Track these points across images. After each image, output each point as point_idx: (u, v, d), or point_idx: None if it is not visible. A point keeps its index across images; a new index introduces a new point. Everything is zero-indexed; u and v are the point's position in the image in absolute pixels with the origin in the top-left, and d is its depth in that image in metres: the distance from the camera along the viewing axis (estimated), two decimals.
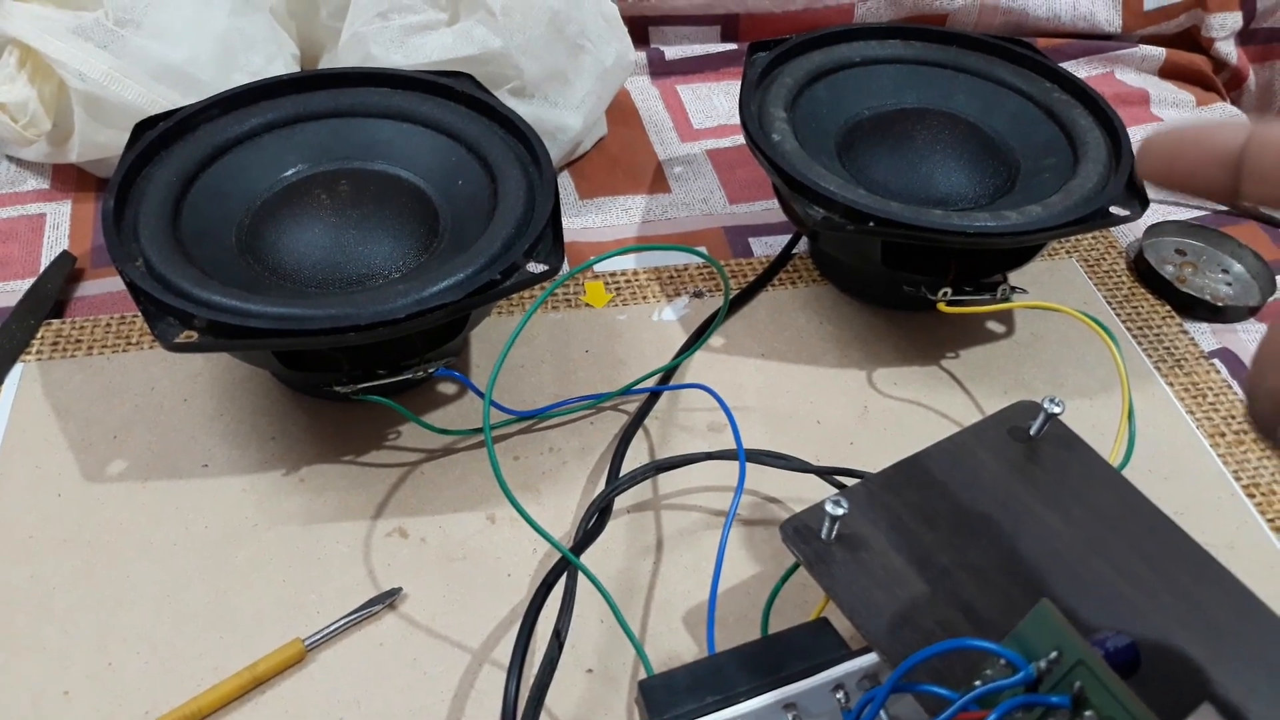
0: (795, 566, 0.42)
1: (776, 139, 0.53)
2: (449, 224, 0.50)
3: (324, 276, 0.48)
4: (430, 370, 0.46)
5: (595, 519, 0.44)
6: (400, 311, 0.42)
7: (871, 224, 0.48)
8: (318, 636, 0.42)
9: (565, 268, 0.56)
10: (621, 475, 0.46)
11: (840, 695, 0.36)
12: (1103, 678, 0.30)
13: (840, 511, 0.38)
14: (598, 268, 0.60)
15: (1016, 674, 0.32)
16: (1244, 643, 0.37)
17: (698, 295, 0.58)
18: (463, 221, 0.50)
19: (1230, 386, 0.55)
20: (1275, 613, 0.39)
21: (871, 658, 0.36)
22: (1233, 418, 0.54)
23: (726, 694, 0.35)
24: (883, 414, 0.53)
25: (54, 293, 0.56)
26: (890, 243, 0.51)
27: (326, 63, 0.66)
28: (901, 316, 0.58)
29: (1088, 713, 0.30)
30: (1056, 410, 0.43)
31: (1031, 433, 0.43)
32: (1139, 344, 0.58)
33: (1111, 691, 0.30)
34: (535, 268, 0.45)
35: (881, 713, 0.34)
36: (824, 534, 0.39)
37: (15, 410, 0.50)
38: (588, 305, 0.57)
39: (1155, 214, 0.66)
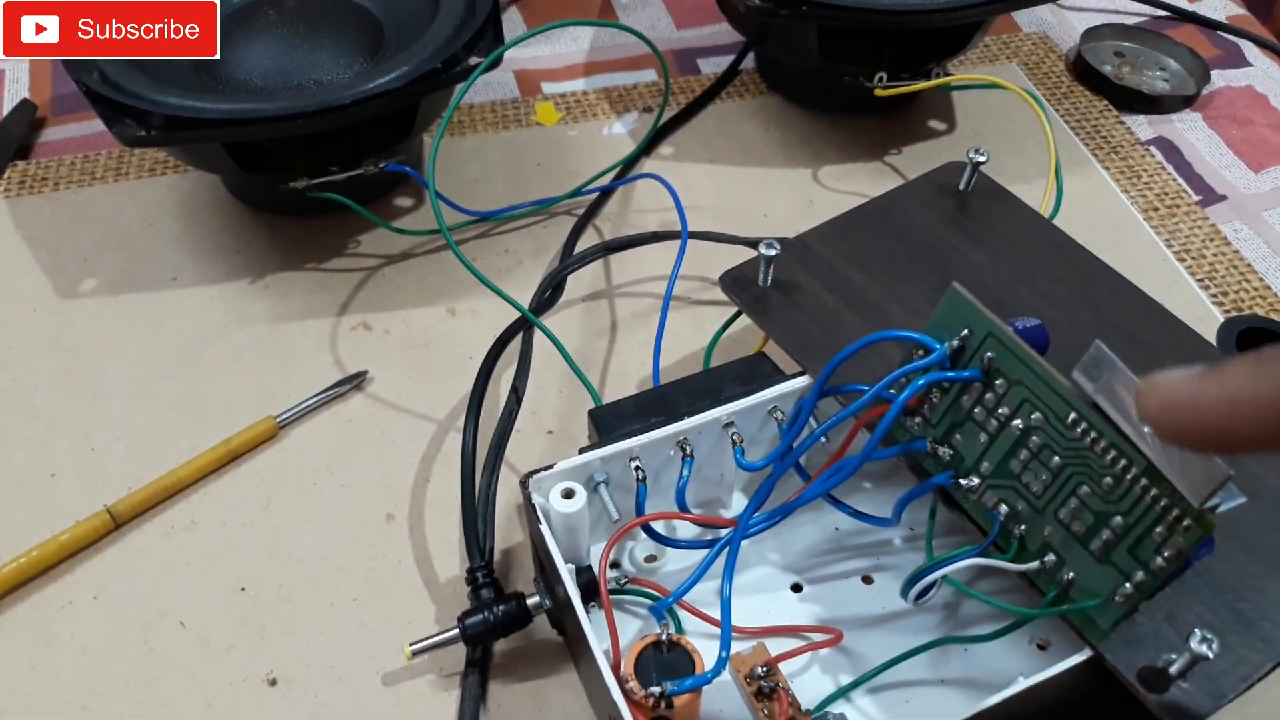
0: (735, 315, 0.44)
1: None
2: (393, 34, 0.51)
3: (274, 86, 0.49)
4: (381, 164, 0.47)
5: (550, 292, 0.46)
6: (346, 98, 0.43)
7: (804, 8, 0.49)
8: (289, 414, 0.44)
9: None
10: (574, 254, 0.48)
11: (777, 414, 0.38)
12: (1010, 346, 0.32)
13: (773, 253, 0.40)
14: (547, 89, 0.61)
15: (931, 356, 0.33)
16: (1161, 352, 0.39)
17: (647, 110, 0.60)
18: (406, 32, 0.51)
19: (1165, 169, 0.57)
20: (1190, 326, 0.41)
21: (804, 380, 0.38)
22: (1166, 195, 0.56)
23: (670, 415, 0.37)
24: (828, 206, 0.54)
25: (18, 136, 0.57)
26: (826, 31, 0.52)
27: None
28: (846, 120, 0.59)
29: (999, 382, 0.32)
30: (981, 160, 0.44)
31: (960, 186, 0.45)
32: (1077, 135, 0.59)
33: (1019, 357, 0.32)
34: (476, 60, 0.46)
35: (811, 420, 0.36)
36: (760, 280, 0.41)
37: None
38: (538, 124, 0.59)
39: (1094, 17, 0.67)
